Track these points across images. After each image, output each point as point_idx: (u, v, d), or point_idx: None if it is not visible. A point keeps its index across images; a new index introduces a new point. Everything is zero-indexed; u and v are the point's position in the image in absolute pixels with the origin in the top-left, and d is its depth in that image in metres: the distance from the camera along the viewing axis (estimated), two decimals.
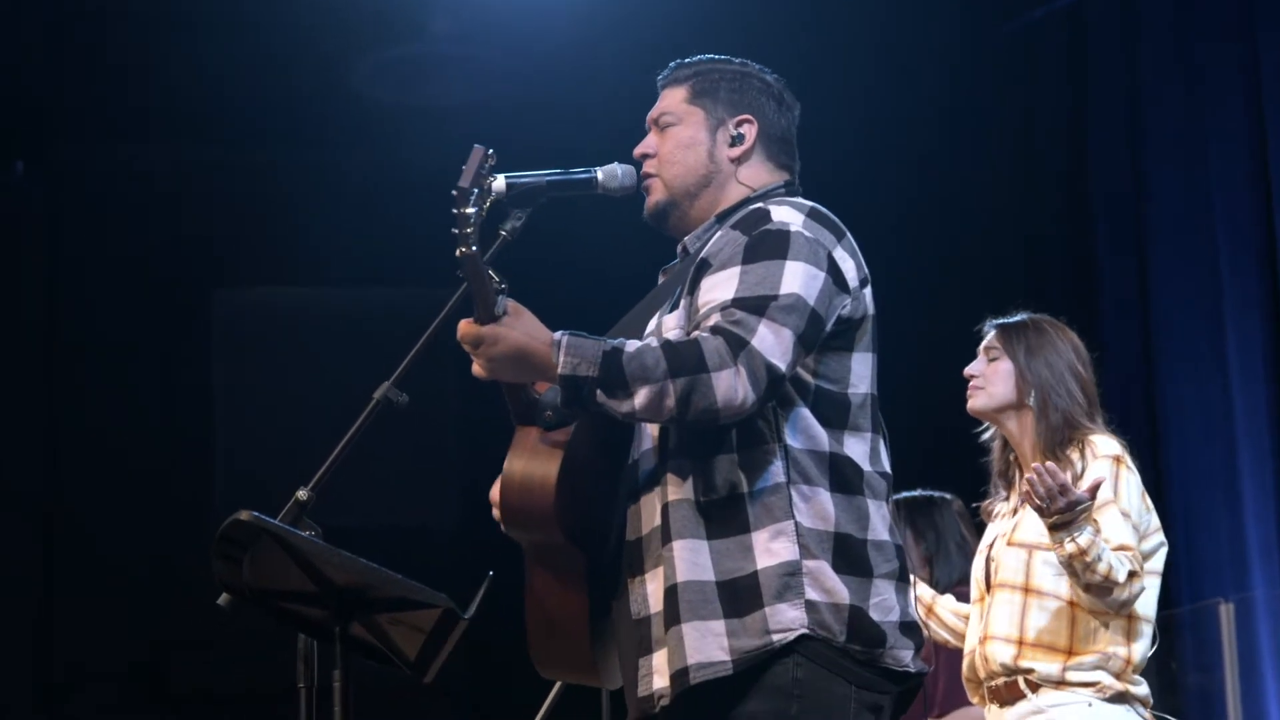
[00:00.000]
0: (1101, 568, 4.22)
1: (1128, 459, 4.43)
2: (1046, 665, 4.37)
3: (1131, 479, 4.41)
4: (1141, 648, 4.39)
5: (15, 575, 8.21)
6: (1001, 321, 4.68)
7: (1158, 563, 4.46)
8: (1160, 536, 4.48)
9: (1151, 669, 4.58)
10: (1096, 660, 4.35)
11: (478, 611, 3.18)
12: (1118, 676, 4.36)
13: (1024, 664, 4.41)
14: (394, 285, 8.23)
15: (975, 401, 4.63)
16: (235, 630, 5.80)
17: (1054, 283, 8.09)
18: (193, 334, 8.55)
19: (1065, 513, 4.19)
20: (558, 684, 4.48)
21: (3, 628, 8.14)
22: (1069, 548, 4.21)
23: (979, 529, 4.93)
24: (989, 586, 4.52)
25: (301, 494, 3.18)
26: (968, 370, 4.66)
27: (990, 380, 4.59)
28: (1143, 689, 4.40)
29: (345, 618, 3.18)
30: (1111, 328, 7.71)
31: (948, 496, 5.63)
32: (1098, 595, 4.29)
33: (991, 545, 4.57)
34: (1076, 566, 4.23)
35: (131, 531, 8.16)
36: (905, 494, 5.59)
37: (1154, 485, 6.03)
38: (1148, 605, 4.41)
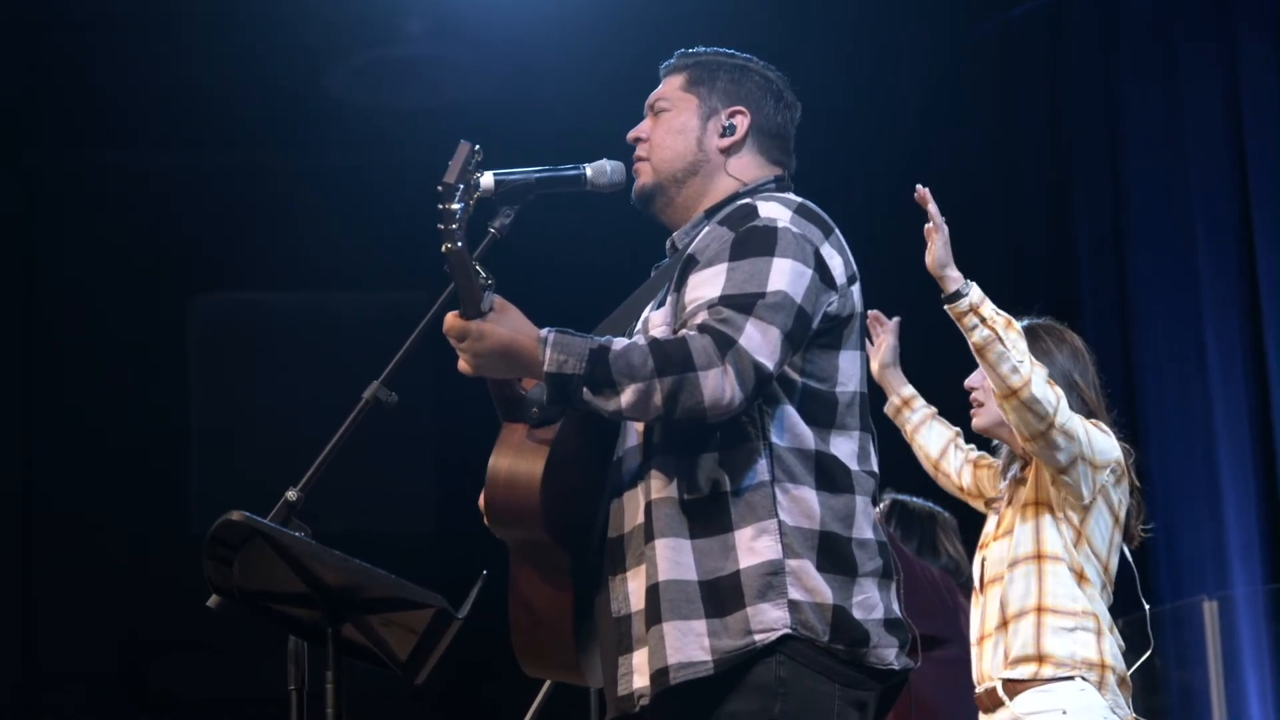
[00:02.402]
0: (1013, 338, 4.15)
1: None
2: (1022, 670, 4.33)
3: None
4: (1110, 644, 4.29)
5: None
6: None
7: (1112, 495, 4.35)
8: (1109, 475, 4.35)
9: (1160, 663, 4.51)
10: (1064, 660, 4.28)
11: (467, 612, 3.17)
12: (1087, 675, 4.28)
13: (1003, 672, 4.38)
14: (377, 289, 8.21)
15: (976, 421, 4.56)
16: (223, 633, 5.78)
17: (1033, 285, 8.09)
18: (172, 337, 8.53)
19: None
20: (546, 684, 4.46)
21: None
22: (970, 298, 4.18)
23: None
24: (982, 585, 4.47)
25: (290, 494, 3.15)
26: (966, 382, 4.59)
27: (986, 396, 4.52)
28: (1118, 679, 4.31)
29: (337, 619, 3.15)
30: (1091, 329, 7.72)
31: (937, 510, 5.44)
32: (994, 365, 4.18)
33: (983, 545, 4.51)
34: (985, 314, 4.18)
35: (111, 533, 8.13)
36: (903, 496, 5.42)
37: None
38: (1101, 602, 4.32)
